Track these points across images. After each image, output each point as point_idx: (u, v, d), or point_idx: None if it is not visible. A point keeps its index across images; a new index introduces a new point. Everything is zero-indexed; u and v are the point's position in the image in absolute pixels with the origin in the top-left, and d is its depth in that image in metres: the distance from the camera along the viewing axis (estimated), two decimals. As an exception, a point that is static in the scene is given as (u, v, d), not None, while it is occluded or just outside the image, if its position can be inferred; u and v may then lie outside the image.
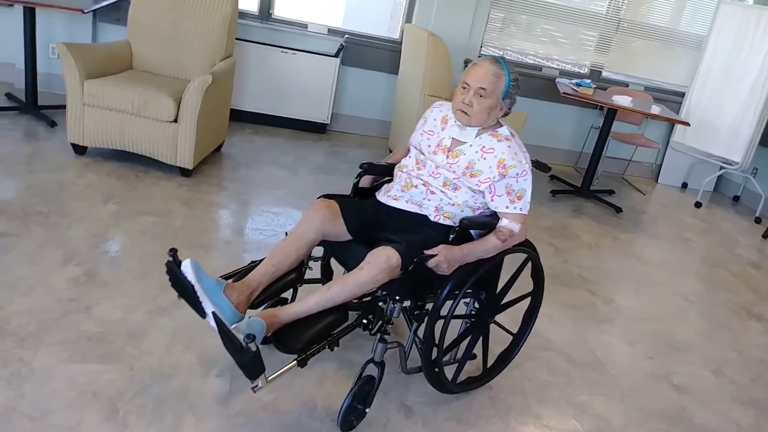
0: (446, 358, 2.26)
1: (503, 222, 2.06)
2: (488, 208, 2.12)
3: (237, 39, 4.55)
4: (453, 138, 2.14)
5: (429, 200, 2.11)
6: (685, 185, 5.98)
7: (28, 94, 4.16)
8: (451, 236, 2.04)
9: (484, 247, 2.04)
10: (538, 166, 2.84)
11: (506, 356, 2.44)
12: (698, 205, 5.45)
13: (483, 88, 2.02)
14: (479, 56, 5.32)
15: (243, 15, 4.86)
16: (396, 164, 2.29)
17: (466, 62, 5.27)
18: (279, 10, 5.09)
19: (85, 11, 3.93)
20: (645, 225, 4.73)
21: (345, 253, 2.14)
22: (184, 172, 3.68)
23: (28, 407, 1.84)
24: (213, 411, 1.98)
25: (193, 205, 3.36)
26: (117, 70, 3.82)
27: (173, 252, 1.87)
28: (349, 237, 2.11)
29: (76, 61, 3.47)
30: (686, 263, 4.14)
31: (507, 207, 2.06)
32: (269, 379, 1.77)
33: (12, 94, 4.36)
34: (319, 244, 2.12)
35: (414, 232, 2.07)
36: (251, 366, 1.70)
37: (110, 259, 2.70)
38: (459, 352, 2.34)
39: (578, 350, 2.77)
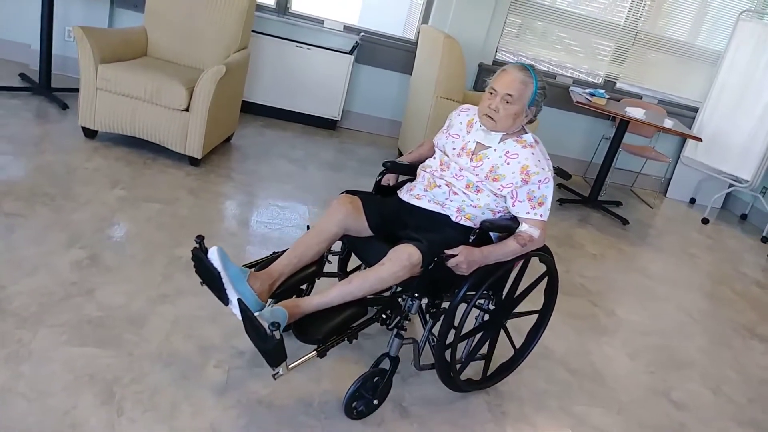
0: (458, 356, 2.28)
1: (523, 227, 2.08)
2: (509, 212, 2.15)
3: (253, 32, 4.55)
4: (478, 142, 2.16)
5: (451, 201, 2.15)
6: (693, 201, 5.95)
7: (42, 76, 4.17)
8: (472, 237, 2.06)
9: (504, 250, 2.06)
10: (559, 173, 2.88)
11: (506, 368, 2.45)
12: (705, 221, 5.42)
13: (510, 95, 2.05)
14: (493, 61, 5.36)
15: (260, 8, 4.86)
16: (419, 163, 2.33)
17: (480, 66, 5.26)
18: (296, 5, 5.08)
19: (103, -4, 3.93)
20: (651, 238, 4.70)
21: (365, 249, 2.17)
22: (193, 162, 3.68)
23: (25, 388, 1.84)
24: (209, 402, 1.98)
25: (200, 195, 3.36)
26: (132, 56, 3.83)
27: (200, 239, 1.92)
28: (370, 233, 2.15)
29: (92, 44, 3.48)
30: (691, 279, 4.11)
31: (528, 213, 2.09)
32: (290, 367, 1.82)
33: (26, 75, 4.38)
34: (339, 239, 2.16)
35: (435, 231, 2.10)
36: (274, 353, 1.75)
37: (115, 244, 2.70)
38: (467, 349, 2.35)
39: (578, 360, 2.75)
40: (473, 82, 5.31)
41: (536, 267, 2.32)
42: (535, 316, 2.45)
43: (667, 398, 2.67)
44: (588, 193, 4.99)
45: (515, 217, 2.12)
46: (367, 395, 2.06)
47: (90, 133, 3.71)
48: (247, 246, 2.98)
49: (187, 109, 3.52)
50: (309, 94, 5.02)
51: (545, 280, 2.35)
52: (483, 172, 2.12)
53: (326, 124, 5.19)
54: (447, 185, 2.16)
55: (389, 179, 2.38)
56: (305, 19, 5.06)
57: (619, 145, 4.87)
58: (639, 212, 5.24)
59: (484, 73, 5.28)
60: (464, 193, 2.13)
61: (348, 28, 5.11)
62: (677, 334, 3.28)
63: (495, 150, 2.13)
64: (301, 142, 4.70)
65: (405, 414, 2.16)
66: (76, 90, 3.59)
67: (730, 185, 5.58)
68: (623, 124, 4.78)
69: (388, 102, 5.32)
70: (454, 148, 2.22)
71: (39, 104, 4.06)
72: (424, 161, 2.32)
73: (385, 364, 2.08)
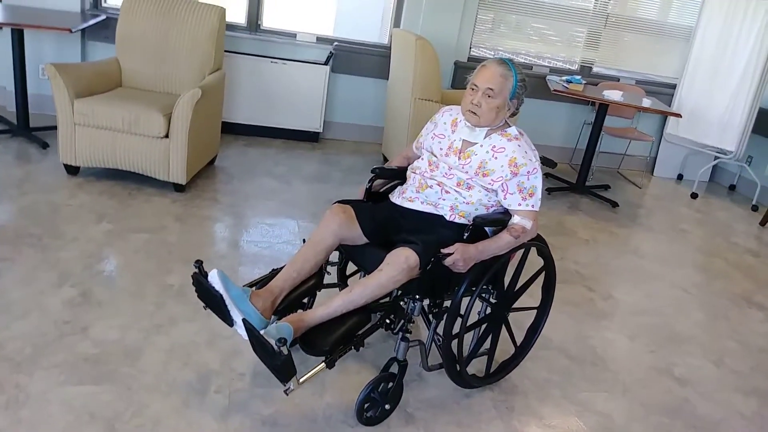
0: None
1: (515, 219, 2.12)
2: (501, 206, 2.18)
3: (226, 51, 4.56)
4: (464, 140, 2.20)
5: (444, 200, 2.18)
6: (680, 177, 5.97)
7: (20, 117, 4.16)
8: (466, 234, 2.09)
9: (498, 243, 2.10)
10: (544, 161, 2.95)
11: (508, 364, 2.47)
12: (694, 196, 5.45)
13: (491, 89, 2.09)
14: (468, 58, 5.38)
15: (232, 27, 4.87)
16: (406, 166, 2.37)
17: (456, 64, 5.28)
18: (267, 21, 5.09)
19: (73, 30, 3.93)
20: (641, 219, 4.72)
21: (362, 256, 2.21)
22: (178, 188, 3.68)
23: (26, 432, 1.83)
24: (212, 427, 1.97)
25: (187, 221, 3.36)
26: (107, 88, 3.83)
27: (199, 264, 1.95)
28: (365, 240, 2.17)
29: (65, 81, 3.48)
30: (684, 255, 4.13)
31: (519, 204, 2.13)
32: (300, 381, 1.84)
33: (3, 117, 4.36)
34: (336, 249, 2.19)
35: (429, 232, 2.13)
36: (283, 369, 1.77)
37: (104, 278, 2.69)
38: (472, 343, 2.38)
39: (578, 347, 2.76)
40: (450, 81, 5.32)
41: (536, 261, 2.36)
42: (535, 310, 2.48)
43: (670, 375, 2.68)
44: (575, 180, 5.01)
45: (507, 210, 2.16)
46: (378, 400, 2.08)
47: (72, 170, 3.70)
48: (239, 267, 2.98)
49: (166, 136, 3.52)
50: (288, 109, 5.03)
51: (543, 275, 2.39)
52: (472, 169, 2.15)
53: (309, 137, 5.19)
54: (438, 185, 2.18)
55: (379, 185, 2.41)
56: (277, 35, 5.07)
57: (601, 128, 4.89)
58: (628, 193, 5.26)
59: (461, 70, 5.29)
60: (456, 191, 2.16)
61: (321, 39, 5.12)
62: (674, 310, 3.29)
63: (481, 146, 2.17)
64: (285, 158, 4.70)
65: (410, 419, 2.16)
66: (55, 127, 3.58)
67: (716, 157, 5.61)
68: (603, 108, 4.81)
69: (368, 108, 5.33)
70: (441, 148, 2.24)
71: (19, 145, 4.06)
72: (411, 162, 2.36)
73: (394, 369, 2.10)
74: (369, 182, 2.39)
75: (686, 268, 3.90)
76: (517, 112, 2.21)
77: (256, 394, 2.14)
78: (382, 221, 2.19)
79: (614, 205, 4.78)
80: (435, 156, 2.25)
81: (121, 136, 3.52)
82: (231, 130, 4.94)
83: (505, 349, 2.47)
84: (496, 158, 2.13)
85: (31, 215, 3.14)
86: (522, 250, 2.25)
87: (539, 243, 2.28)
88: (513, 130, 2.19)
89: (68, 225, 3.10)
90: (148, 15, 3.95)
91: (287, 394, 1.83)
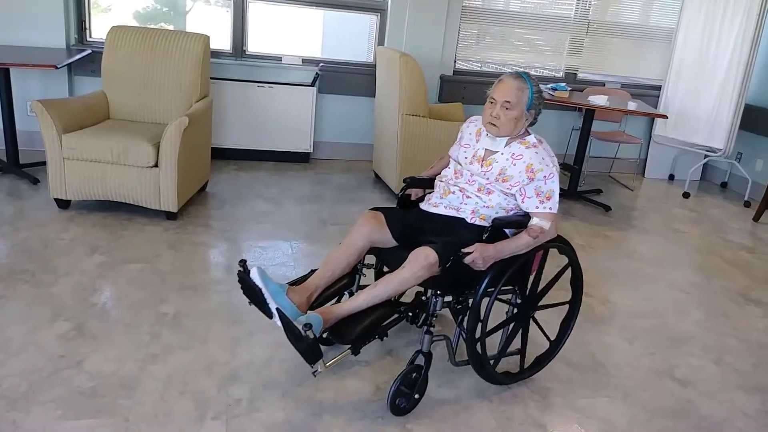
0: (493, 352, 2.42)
1: (534, 220, 2.25)
2: (520, 209, 2.31)
3: (213, 78, 4.59)
4: (486, 149, 2.35)
5: (465, 204, 2.33)
6: (672, 177, 6.00)
7: (9, 154, 4.18)
8: (485, 235, 2.22)
9: (517, 243, 2.22)
10: (565, 167, 3.08)
11: (542, 360, 2.55)
12: (686, 195, 5.46)
13: (508, 101, 2.24)
14: (454, 71, 5.42)
15: (217, 54, 4.91)
16: (438, 174, 2.55)
17: (442, 78, 5.32)
18: (252, 46, 5.13)
19: (58, 67, 3.95)
20: (635, 221, 4.73)
21: (391, 257, 2.35)
22: (170, 216, 3.68)
23: (23, 470, 1.81)
24: (211, 455, 1.96)
25: (180, 248, 3.36)
26: (94, 121, 3.84)
27: (243, 262, 2.15)
28: (394, 243, 2.35)
29: (53, 116, 3.49)
30: (679, 255, 4.13)
31: (537, 207, 2.25)
32: (327, 364, 2.06)
33: (-7, 156, 4.38)
34: (370, 253, 2.38)
35: (451, 233, 2.27)
36: (309, 352, 1.96)
37: (99, 311, 2.68)
38: (501, 343, 2.46)
39: (577, 353, 2.75)
40: (437, 95, 5.36)
41: (558, 260, 2.45)
42: (565, 307, 2.59)
43: (671, 377, 2.67)
44: (567, 186, 5.02)
45: (527, 213, 2.28)
46: (407, 392, 2.20)
47: (63, 204, 3.70)
48: (233, 291, 2.97)
49: (156, 165, 3.53)
50: (278, 131, 5.05)
51: (568, 271, 2.49)
52: (493, 175, 2.30)
53: (299, 158, 5.21)
54: (460, 191, 2.35)
55: (413, 193, 2.60)
56: (263, 59, 5.11)
57: (589, 133, 4.92)
58: (620, 196, 5.28)
59: (447, 84, 5.34)
60: (477, 195, 2.31)
61: (306, 61, 5.16)
62: (673, 311, 3.29)
63: (502, 154, 2.31)
64: (276, 180, 4.71)
65: (410, 435, 2.15)
66: (45, 163, 3.59)
67: (705, 156, 5.64)
68: (589, 113, 4.84)
69: (357, 127, 5.35)
70: (466, 157, 2.41)
71: (10, 183, 4.06)
72: (440, 173, 2.53)
73: (420, 361, 2.23)
74: (401, 191, 2.59)
75: (683, 268, 3.90)
76: (536, 122, 2.33)
77: (253, 419, 2.12)
78: (409, 225, 2.36)
79: (607, 209, 4.79)
80: (460, 164, 2.42)
81: (111, 168, 3.53)
82: (222, 155, 4.96)
83: (541, 342, 2.54)
84: (514, 165, 2.27)
85: (23, 251, 3.14)
86: (560, 264, 2.40)
87: (561, 244, 2.41)
88: (532, 138, 2.32)
89: (61, 259, 3.09)
90: (132, 47, 3.98)
91: (315, 375, 2.08)
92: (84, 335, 2.49)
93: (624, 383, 2.58)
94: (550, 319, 2.59)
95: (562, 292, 2.52)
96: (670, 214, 4.95)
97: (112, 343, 2.46)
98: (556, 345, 2.57)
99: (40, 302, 2.69)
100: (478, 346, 2.25)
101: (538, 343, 2.57)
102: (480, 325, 2.21)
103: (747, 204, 5.32)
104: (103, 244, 3.30)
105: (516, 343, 2.46)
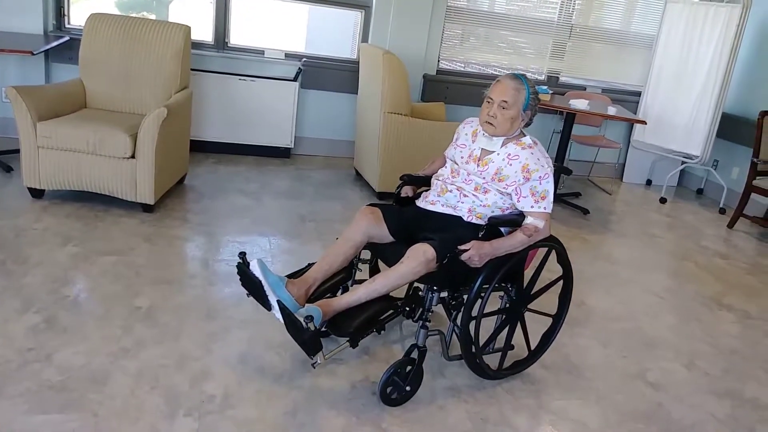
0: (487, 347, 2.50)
1: (528, 219, 2.29)
2: (516, 209, 2.36)
3: (194, 70, 4.54)
4: (482, 148, 2.39)
5: (462, 203, 2.38)
6: (649, 182, 6.07)
7: (-18, 141, 4.09)
8: (481, 233, 2.29)
9: (512, 242, 2.27)
10: (560, 170, 3.13)
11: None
12: (663, 200, 5.53)
13: (505, 101, 2.28)
14: (437, 71, 5.42)
15: (199, 45, 4.85)
16: (432, 174, 2.59)
17: (425, 77, 5.32)
18: (235, 38, 5.08)
19: (35, 53, 3.88)
20: (612, 225, 4.78)
21: (388, 253, 2.39)
22: (146, 208, 3.63)
23: (-13, 465, 1.77)
24: (182, 452, 1.93)
25: (156, 241, 3.31)
26: (71, 110, 3.77)
27: (243, 254, 2.20)
28: (391, 239, 2.39)
29: (27, 104, 3.42)
30: (654, 259, 4.18)
31: (532, 206, 2.30)
32: (326, 356, 2.13)
33: (-35, 142, 4.28)
34: (366, 248, 2.42)
35: (448, 231, 2.31)
36: (310, 343, 2.00)
37: (70, 303, 2.63)
38: (501, 341, 2.52)
39: (551, 355, 2.76)
40: (420, 94, 5.35)
41: (555, 270, 2.52)
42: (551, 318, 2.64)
43: (643, 380, 2.70)
44: (546, 188, 5.04)
45: (521, 212, 2.32)
46: (400, 383, 2.24)
47: (37, 193, 3.63)
48: (208, 286, 2.94)
49: (133, 156, 3.48)
50: (259, 126, 5.01)
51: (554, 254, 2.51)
52: (489, 174, 2.34)
53: (280, 153, 5.17)
54: (457, 189, 2.39)
55: (407, 191, 2.62)
56: (245, 52, 5.06)
57: (569, 137, 4.95)
58: (598, 200, 5.33)
59: (430, 84, 5.34)
60: (473, 194, 2.36)
61: (289, 55, 5.12)
62: (646, 315, 3.32)
63: (498, 154, 2.35)
64: (255, 174, 4.67)
65: (384, 435, 2.14)
66: (19, 151, 3.51)
67: (683, 162, 5.71)
68: (570, 117, 4.87)
69: (338, 123, 5.33)
70: (462, 157, 2.44)
71: (-19, 170, 3.97)
72: (437, 172, 2.56)
73: (415, 354, 2.27)
74: (398, 188, 2.62)
75: (657, 273, 3.94)
76: (531, 122, 2.39)
77: (226, 416, 2.09)
78: (406, 222, 2.40)
79: (585, 212, 4.83)
80: (457, 164, 2.45)
81: (87, 158, 3.47)
82: (201, 148, 4.90)
83: (522, 345, 2.57)
84: (510, 165, 2.31)
85: (-7, 241, 3.07)
86: (542, 252, 2.45)
87: (556, 245, 2.45)
88: (527, 140, 2.37)
89: (33, 249, 3.03)
90: (111, 35, 3.92)
91: (314, 367, 2.16)
92: (54, 328, 2.44)
93: (597, 386, 2.60)
94: (533, 328, 2.58)
95: (553, 296, 2.58)
96: (647, 219, 5.01)
97: (83, 336, 2.41)
98: (534, 354, 2.61)
99: (10, 293, 2.63)
100: (472, 333, 2.30)
101: (520, 346, 2.57)
102: (474, 319, 2.27)
103: (722, 211, 5.40)
104: (77, 235, 3.24)
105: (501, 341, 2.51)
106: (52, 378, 2.16)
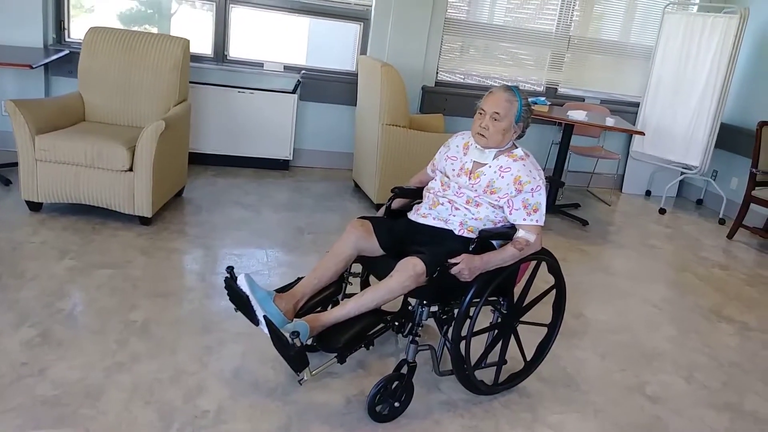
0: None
1: (520, 233, 2.27)
2: (508, 222, 2.33)
3: (193, 82, 4.55)
4: (474, 161, 2.37)
5: (454, 216, 2.35)
6: (648, 193, 6.06)
7: (-19, 154, 4.10)
8: (472, 246, 2.24)
9: (503, 255, 2.25)
10: (553, 182, 3.15)
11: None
12: (662, 211, 5.52)
13: (497, 113, 2.28)
14: (436, 83, 5.44)
15: (198, 58, 4.87)
16: (422, 186, 2.58)
17: (424, 89, 5.33)
18: (234, 51, 5.10)
19: (34, 66, 3.90)
20: (611, 236, 4.77)
21: (378, 266, 2.36)
22: (144, 221, 3.63)
23: (-23, 482, 1.76)
24: (174, 467, 1.92)
25: (153, 254, 3.31)
26: (69, 123, 3.78)
27: (230, 269, 2.17)
28: (382, 252, 2.35)
29: (26, 117, 3.43)
30: (653, 270, 4.17)
31: (524, 219, 2.28)
32: (313, 372, 2.07)
33: (-35, 155, 4.29)
34: (357, 262, 2.38)
35: (439, 244, 2.28)
36: (296, 359, 1.98)
37: (65, 317, 2.63)
38: (495, 355, 2.49)
39: (549, 368, 2.75)
40: (419, 106, 5.37)
41: (547, 279, 2.51)
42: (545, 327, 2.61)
43: (641, 393, 2.68)
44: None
45: (513, 225, 2.30)
46: (389, 399, 2.22)
47: (35, 206, 3.63)
48: (204, 300, 2.93)
49: (130, 169, 3.48)
50: (257, 138, 5.02)
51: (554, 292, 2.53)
52: (480, 187, 2.32)
53: (279, 165, 5.18)
54: (449, 202, 2.37)
55: (399, 203, 2.61)
56: (244, 64, 5.08)
57: (568, 148, 4.96)
58: (597, 211, 5.32)
59: (429, 95, 5.35)
60: (465, 208, 2.33)
61: (288, 68, 5.14)
62: (645, 327, 3.31)
63: (490, 166, 2.33)
64: (254, 187, 4.68)
65: (379, 449, 2.13)
66: (17, 164, 3.52)
67: (682, 173, 5.71)
68: (568, 128, 4.87)
69: (337, 135, 5.34)
70: (453, 169, 2.42)
71: (-20, 183, 3.98)
72: (426, 184, 2.55)
73: (405, 369, 2.24)
74: (389, 201, 2.61)
75: (656, 284, 3.93)
76: (524, 135, 2.37)
77: (220, 431, 2.08)
78: (397, 235, 2.37)
79: (584, 223, 4.82)
80: (447, 177, 2.43)
81: (85, 171, 3.48)
82: (200, 160, 4.91)
83: (518, 358, 2.55)
84: (502, 177, 2.30)
85: (-10, 254, 3.07)
86: (533, 265, 2.42)
87: (548, 257, 2.43)
88: (519, 152, 2.35)
89: (29, 263, 3.03)
90: (110, 48, 3.94)
91: (301, 384, 2.15)
92: (49, 342, 2.43)
93: (595, 399, 2.59)
94: (528, 339, 2.58)
95: (547, 306, 2.56)
96: (646, 230, 5.00)
97: (78, 350, 2.41)
98: (530, 366, 2.58)
99: (5, 307, 2.63)
100: (462, 352, 2.26)
101: (515, 359, 2.56)
102: (466, 325, 2.23)
103: (722, 221, 5.39)
104: (74, 249, 3.24)
105: (495, 356, 2.49)
106: (46, 392, 2.15)
